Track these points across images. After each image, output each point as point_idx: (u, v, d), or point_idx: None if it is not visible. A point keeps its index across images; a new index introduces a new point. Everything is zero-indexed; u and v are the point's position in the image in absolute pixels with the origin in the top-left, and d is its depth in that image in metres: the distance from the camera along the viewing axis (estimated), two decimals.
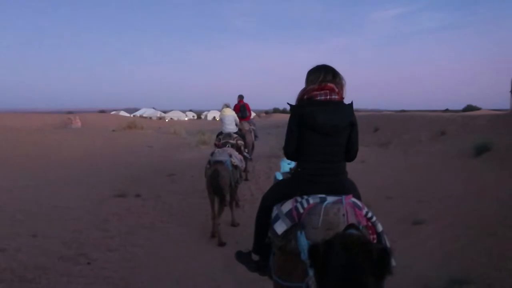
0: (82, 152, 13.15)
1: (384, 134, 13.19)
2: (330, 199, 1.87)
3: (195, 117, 79.20)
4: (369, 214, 1.92)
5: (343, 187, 2.06)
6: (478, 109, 49.81)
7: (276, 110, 70.06)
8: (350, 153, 2.19)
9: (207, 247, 4.87)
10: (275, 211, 2.02)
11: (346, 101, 2.15)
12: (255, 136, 9.63)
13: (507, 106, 15.32)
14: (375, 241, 1.88)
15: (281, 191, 2.16)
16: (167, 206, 6.78)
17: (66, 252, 4.45)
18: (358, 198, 2.07)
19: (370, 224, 1.92)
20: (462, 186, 6.49)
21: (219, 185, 4.96)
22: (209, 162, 5.49)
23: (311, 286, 1.48)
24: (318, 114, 1.99)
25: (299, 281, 1.68)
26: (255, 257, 2.34)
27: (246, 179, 8.28)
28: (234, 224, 5.68)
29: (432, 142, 10.37)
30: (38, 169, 10.05)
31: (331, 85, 2.07)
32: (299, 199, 1.94)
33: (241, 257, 2.48)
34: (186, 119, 67.17)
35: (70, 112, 38.95)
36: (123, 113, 69.28)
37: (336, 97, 2.08)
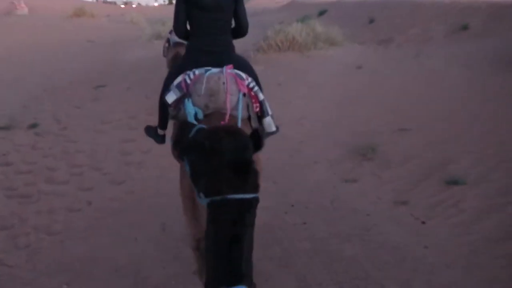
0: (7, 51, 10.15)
1: (382, 27, 10.52)
2: (214, 70, 1.99)
3: (166, 3, 71.66)
4: (251, 84, 2.05)
5: (230, 60, 2.13)
6: None
7: None
8: (241, 28, 2.35)
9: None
10: None
11: None
12: None
13: None
14: (257, 109, 2.09)
15: (177, 70, 2.18)
16: (72, 149, 4.46)
17: None
18: (250, 72, 2.17)
19: (253, 93, 2.06)
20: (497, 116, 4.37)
21: None
22: (168, 40, 5.14)
23: None
24: None
25: None
26: (161, 131, 2.49)
27: None
28: None
29: (449, 40, 7.97)
30: None
31: None
32: (188, 72, 2.03)
33: (150, 131, 2.63)
34: (156, 4, 60.49)
35: None
36: None
37: None
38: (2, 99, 6.09)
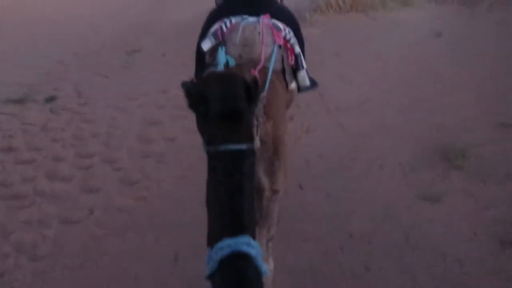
0: (41, 10, 9.65)
1: None
2: (250, 19, 1.91)
3: None
4: (288, 36, 1.95)
5: (270, 9, 2.02)
6: None
7: None
8: None
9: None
10: None
11: None
12: None
13: None
14: (292, 61, 2.00)
15: (214, 17, 2.07)
16: (86, 132, 3.78)
17: None
18: (291, 23, 2.07)
19: (289, 45, 1.96)
20: None
21: None
22: None
23: None
24: None
25: None
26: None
27: None
28: None
29: None
30: None
31: None
32: (225, 19, 1.95)
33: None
34: None
35: None
36: None
37: None
38: (26, 64, 5.52)
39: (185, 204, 2.76)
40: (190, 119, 4.02)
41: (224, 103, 1.25)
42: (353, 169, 3.19)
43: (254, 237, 1.12)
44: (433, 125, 3.65)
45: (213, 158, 1.24)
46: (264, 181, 1.57)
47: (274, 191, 1.62)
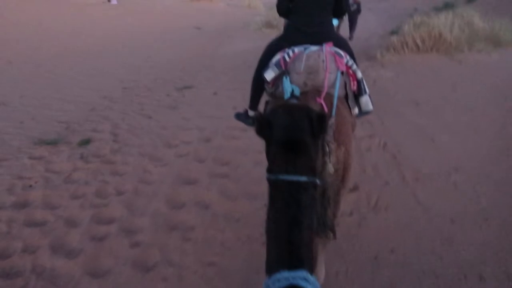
0: (103, 34, 9.81)
1: None
2: (313, 47, 1.94)
3: None
4: (350, 62, 1.97)
5: (330, 39, 2.05)
6: None
7: None
8: (341, 6, 2.20)
9: None
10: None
11: None
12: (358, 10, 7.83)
13: None
14: (355, 87, 2.03)
15: (274, 48, 2.15)
16: (111, 188, 3.26)
17: None
18: (349, 53, 2.07)
19: (351, 71, 1.99)
20: None
21: None
22: None
23: None
24: None
25: None
26: (251, 113, 2.48)
27: None
28: None
29: None
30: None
31: None
32: (287, 49, 1.99)
33: (240, 116, 2.61)
34: None
35: None
36: None
37: None
38: (72, 99, 5.27)
39: None
40: (231, 178, 3.40)
41: (288, 132, 1.26)
42: (441, 276, 2.30)
43: (311, 272, 1.12)
44: None
45: (273, 187, 1.24)
46: (329, 212, 1.53)
47: (334, 226, 1.62)
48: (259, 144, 3.89)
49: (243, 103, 4.85)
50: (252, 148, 3.82)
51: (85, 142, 3.94)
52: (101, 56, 7.57)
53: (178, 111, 4.85)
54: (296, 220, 1.14)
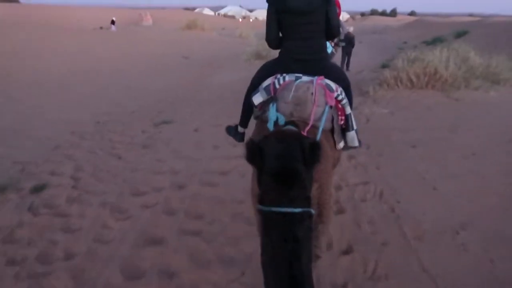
0: (87, 62, 9.42)
1: None
2: (305, 78, 1.94)
3: None
4: (340, 97, 1.97)
5: (323, 68, 2.08)
6: None
7: (374, 12, 59.85)
8: (331, 29, 2.16)
9: None
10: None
11: None
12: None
13: None
14: (343, 122, 2.02)
15: (267, 71, 2.15)
16: (57, 256, 2.72)
17: None
18: (342, 81, 2.10)
19: (340, 106, 1.99)
20: None
21: None
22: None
23: None
24: None
25: None
26: (241, 129, 2.50)
27: None
28: None
29: None
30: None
31: None
32: (278, 76, 2.00)
33: (230, 130, 2.61)
34: None
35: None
36: (207, 11, 65.10)
37: None
38: (31, 134, 4.76)
39: None
40: (204, 237, 2.90)
41: (281, 161, 1.22)
42: None
43: None
44: None
45: (266, 219, 1.19)
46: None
47: (316, 257, 1.64)
48: (240, 192, 3.42)
49: (225, 142, 4.42)
50: (231, 197, 3.34)
51: (39, 188, 3.42)
52: (79, 85, 7.16)
53: (152, 150, 4.38)
54: (295, 255, 1.10)
